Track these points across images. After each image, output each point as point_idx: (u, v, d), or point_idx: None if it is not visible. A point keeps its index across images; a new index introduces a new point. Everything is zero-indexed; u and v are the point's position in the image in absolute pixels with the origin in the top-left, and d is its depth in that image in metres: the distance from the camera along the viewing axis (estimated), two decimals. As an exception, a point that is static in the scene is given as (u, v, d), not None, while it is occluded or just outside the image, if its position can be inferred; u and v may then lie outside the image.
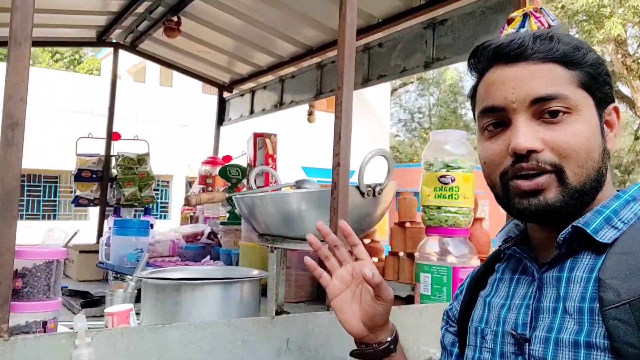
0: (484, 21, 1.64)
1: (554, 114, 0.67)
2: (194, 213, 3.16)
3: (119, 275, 2.14)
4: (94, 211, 11.38)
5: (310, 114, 2.77)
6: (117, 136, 3.08)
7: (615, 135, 0.72)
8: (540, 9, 1.49)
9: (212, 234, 2.69)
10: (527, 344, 0.68)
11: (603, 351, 0.61)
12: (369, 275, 0.79)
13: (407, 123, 21.30)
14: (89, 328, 0.84)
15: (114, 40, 3.06)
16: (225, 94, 3.41)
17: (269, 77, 3.05)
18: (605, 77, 0.71)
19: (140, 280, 1.47)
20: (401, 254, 1.84)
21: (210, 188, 3.18)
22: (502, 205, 0.73)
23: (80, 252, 2.40)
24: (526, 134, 0.67)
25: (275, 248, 1.58)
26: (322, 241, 0.90)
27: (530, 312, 0.70)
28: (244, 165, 2.75)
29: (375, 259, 1.98)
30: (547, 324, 0.67)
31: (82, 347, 0.83)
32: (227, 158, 3.42)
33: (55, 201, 11.95)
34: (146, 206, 3.07)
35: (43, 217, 11.64)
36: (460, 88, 17.94)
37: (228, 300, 1.24)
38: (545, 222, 0.71)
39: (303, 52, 2.69)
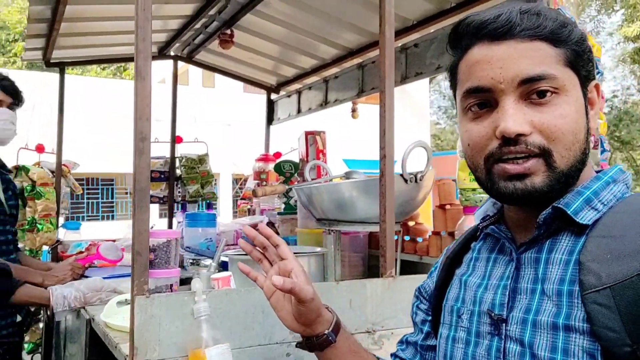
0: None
1: (542, 94, 0.65)
2: (251, 206, 3.47)
3: (195, 261, 2.45)
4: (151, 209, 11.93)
5: (353, 110, 3.01)
6: (179, 139, 3.41)
7: (596, 113, 0.71)
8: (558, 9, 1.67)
9: (270, 224, 2.98)
10: (503, 324, 0.68)
11: (582, 334, 0.60)
12: (278, 283, 0.82)
13: (447, 110, 21.14)
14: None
15: (172, 53, 3.39)
16: (273, 96, 3.68)
17: (313, 78, 3.30)
18: (588, 54, 0.69)
19: (218, 262, 1.77)
20: (443, 232, 2.06)
21: (264, 183, 3.48)
22: (484, 188, 0.71)
23: (158, 243, 2.73)
24: (515, 117, 0.64)
25: (332, 230, 1.84)
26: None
27: (507, 293, 0.69)
28: (295, 160, 3.03)
29: (421, 239, 2.21)
30: (525, 305, 0.66)
31: (200, 302, 1.12)
32: (277, 154, 3.71)
33: (112, 202, 12.67)
34: (208, 201, 3.40)
35: (102, 218, 12.37)
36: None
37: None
38: (529, 205, 0.68)
39: (344, 54, 2.92)
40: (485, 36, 0.67)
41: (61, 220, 3.07)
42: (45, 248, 2.91)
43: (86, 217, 11.89)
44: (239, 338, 1.18)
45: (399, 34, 2.41)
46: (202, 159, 3.40)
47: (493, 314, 0.69)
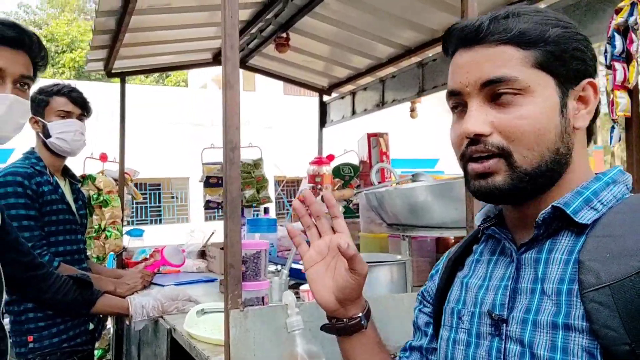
0: (591, 11, 1.72)
1: (500, 96, 0.67)
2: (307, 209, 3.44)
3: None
4: (194, 214, 12.11)
5: (412, 110, 2.94)
6: (234, 145, 3.43)
7: (590, 112, 0.70)
8: (649, -4, 1.55)
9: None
10: (504, 324, 0.68)
11: (581, 333, 0.60)
12: (344, 246, 0.79)
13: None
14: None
15: (225, 59, 3.40)
16: (325, 97, 3.65)
17: (367, 79, 3.25)
18: (574, 53, 0.68)
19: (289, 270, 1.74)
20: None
21: (319, 186, 3.45)
22: (465, 186, 0.74)
23: (221, 249, 2.74)
24: (476, 118, 0.67)
25: (406, 236, 1.78)
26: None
27: (508, 293, 0.69)
28: (351, 162, 2.99)
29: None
30: (525, 305, 0.67)
31: (293, 315, 1.08)
32: (331, 157, 3.67)
33: (159, 207, 12.99)
34: (265, 206, 3.39)
35: (150, 222, 12.71)
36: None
37: (379, 279, 1.45)
38: (497, 202, 0.72)
39: (401, 52, 2.86)
40: (460, 43, 0.71)
41: (129, 227, 3.13)
42: (111, 254, 2.97)
43: (135, 222, 12.25)
44: (332, 352, 1.15)
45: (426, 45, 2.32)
46: (257, 164, 3.40)
47: (493, 315, 0.69)
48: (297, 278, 1.88)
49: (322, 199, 0.88)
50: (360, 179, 2.63)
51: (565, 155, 0.68)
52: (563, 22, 0.69)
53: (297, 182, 11.86)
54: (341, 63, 3.28)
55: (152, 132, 11.62)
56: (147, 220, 12.71)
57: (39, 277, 1.58)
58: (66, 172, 2.23)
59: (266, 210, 3.43)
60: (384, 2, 2.46)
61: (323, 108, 3.67)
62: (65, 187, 2.18)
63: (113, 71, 2.98)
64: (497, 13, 0.69)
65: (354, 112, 3.23)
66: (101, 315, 2.37)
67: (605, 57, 1.45)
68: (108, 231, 2.95)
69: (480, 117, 0.67)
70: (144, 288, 2.27)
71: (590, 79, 0.70)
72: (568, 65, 0.68)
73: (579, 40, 0.69)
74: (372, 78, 3.19)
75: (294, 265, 1.85)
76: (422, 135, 12.69)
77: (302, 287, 1.17)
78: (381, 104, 2.93)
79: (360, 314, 0.85)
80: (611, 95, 1.44)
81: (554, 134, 0.67)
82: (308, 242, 0.87)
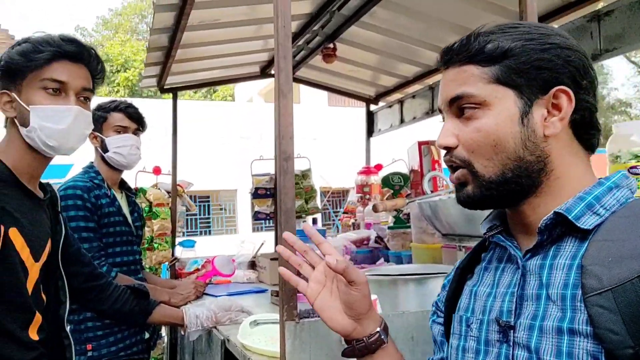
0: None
1: (462, 111, 0.72)
2: (355, 220, 3.41)
3: (309, 278, 2.42)
4: (242, 225, 12.25)
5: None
6: (282, 156, 3.45)
7: (561, 118, 0.70)
8: None
9: (379, 238, 2.90)
10: (511, 331, 0.69)
11: (586, 337, 0.61)
12: (332, 263, 0.80)
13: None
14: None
15: (273, 72, 3.45)
16: (372, 107, 3.62)
17: (415, 87, 3.20)
18: (537, 63, 0.69)
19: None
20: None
21: (367, 196, 3.42)
22: None
23: (271, 259, 2.75)
24: (445, 132, 0.74)
25: (462, 246, 1.72)
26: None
27: (514, 300, 0.70)
28: (400, 172, 2.93)
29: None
30: (532, 311, 0.68)
31: (350, 328, 1.05)
32: (379, 166, 3.64)
33: (209, 218, 13.28)
34: (313, 217, 3.39)
35: (200, 233, 13.00)
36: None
37: (436, 291, 1.40)
38: (478, 209, 0.75)
39: (451, 58, 2.79)
40: (442, 64, 0.77)
41: (180, 238, 3.20)
42: (164, 264, 3.04)
43: (185, 233, 12.58)
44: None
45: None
46: (305, 175, 3.41)
47: (501, 321, 0.70)
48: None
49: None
50: (411, 188, 2.58)
51: (535, 162, 0.69)
52: (530, 36, 0.70)
53: (342, 192, 11.86)
54: (388, 71, 3.25)
55: (201, 145, 11.92)
56: (197, 231, 13.02)
57: (99, 288, 1.63)
58: (123, 185, 2.30)
59: (314, 221, 3.43)
60: (433, 8, 2.42)
61: (370, 117, 3.64)
62: (122, 200, 2.24)
63: (165, 87, 3.07)
64: (469, 34, 0.73)
65: (402, 121, 3.19)
66: (156, 325, 2.42)
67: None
68: (156, 243, 3.03)
69: (449, 131, 0.73)
70: (196, 298, 2.30)
71: (561, 87, 0.69)
72: (530, 76, 0.70)
73: (546, 50, 0.70)
74: (421, 86, 3.14)
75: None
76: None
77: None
78: (431, 112, 2.88)
79: (378, 329, 0.85)
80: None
81: (513, 143, 0.69)
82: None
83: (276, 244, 3.42)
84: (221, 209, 13.54)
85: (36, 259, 1.32)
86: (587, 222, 0.66)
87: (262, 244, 2.96)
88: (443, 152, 0.79)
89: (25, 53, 1.26)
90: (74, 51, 1.30)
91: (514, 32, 0.71)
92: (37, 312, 1.32)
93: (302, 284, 0.87)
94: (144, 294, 1.71)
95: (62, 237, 1.45)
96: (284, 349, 1.05)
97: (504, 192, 0.70)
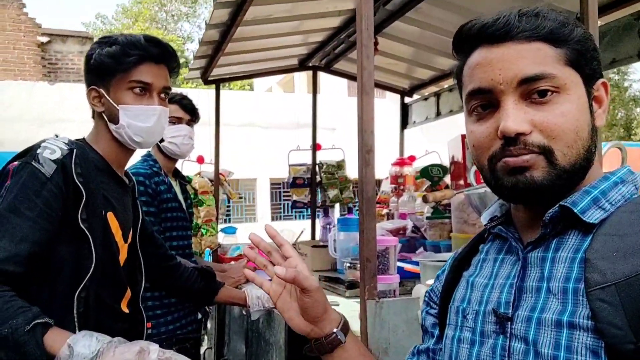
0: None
1: (543, 93, 0.66)
2: (389, 210, 3.50)
3: (352, 265, 2.53)
4: (261, 213, 12.38)
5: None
6: (319, 147, 3.54)
7: (604, 111, 0.71)
8: None
9: (415, 228, 2.99)
10: (509, 322, 0.68)
11: (586, 331, 0.60)
12: (281, 273, 0.80)
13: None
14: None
15: (310, 64, 3.53)
16: (406, 99, 3.69)
17: (451, 81, 3.25)
18: (592, 53, 0.69)
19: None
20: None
21: (401, 187, 3.50)
22: (490, 187, 0.72)
23: (313, 246, 2.86)
24: (515, 116, 0.65)
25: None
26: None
27: (513, 291, 0.69)
28: (439, 163, 3.01)
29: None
30: (530, 304, 0.67)
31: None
32: (412, 158, 3.71)
33: (228, 207, 13.49)
34: (348, 205, 3.48)
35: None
36: None
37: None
38: (532, 201, 0.69)
39: (490, 53, 2.84)
40: (485, 39, 0.69)
41: (221, 225, 3.32)
42: (208, 250, 3.16)
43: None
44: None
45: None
46: (340, 165, 3.50)
47: (498, 313, 0.69)
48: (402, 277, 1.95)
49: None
50: (451, 180, 2.66)
51: (593, 153, 0.68)
52: (579, 24, 0.70)
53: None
54: (424, 64, 3.32)
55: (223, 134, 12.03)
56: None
57: (171, 268, 1.75)
58: (177, 174, 2.42)
59: (350, 210, 3.52)
60: (476, 3, 2.47)
61: (404, 110, 3.71)
62: (176, 187, 2.36)
63: (210, 79, 3.17)
64: (523, 10, 0.68)
65: (438, 114, 3.26)
66: (207, 308, 2.54)
67: None
68: (203, 229, 3.15)
69: (520, 115, 0.66)
70: (246, 282, 2.42)
71: (603, 79, 0.71)
72: (589, 64, 0.68)
73: (593, 42, 0.70)
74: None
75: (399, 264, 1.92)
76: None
77: (429, 281, 1.23)
78: (469, 105, 2.93)
79: (335, 330, 0.86)
80: None
81: (587, 132, 0.67)
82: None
83: (313, 232, 3.54)
84: (240, 198, 13.73)
85: (125, 240, 1.44)
86: (593, 216, 0.66)
87: (302, 232, 3.07)
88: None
89: (115, 56, 1.36)
90: (157, 53, 1.40)
91: (570, 18, 0.69)
92: (128, 287, 1.45)
93: (266, 284, 0.87)
94: (210, 275, 1.83)
95: (140, 221, 1.56)
96: (365, 326, 1.15)
97: (569, 184, 0.67)
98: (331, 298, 1.81)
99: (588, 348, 0.60)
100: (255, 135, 12.05)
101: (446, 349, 0.79)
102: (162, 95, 1.44)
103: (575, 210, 0.66)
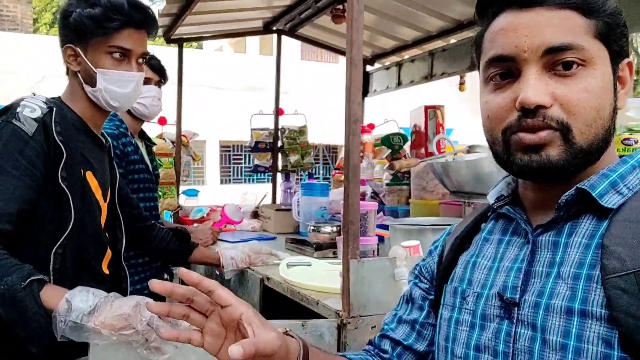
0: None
1: (568, 65, 0.62)
2: (349, 176, 3.61)
3: (316, 228, 2.62)
4: (210, 176, 12.27)
5: (461, 83, 3.06)
6: (281, 112, 3.57)
7: (627, 92, 0.68)
8: None
9: (374, 194, 3.12)
10: (515, 308, 0.65)
11: (599, 320, 0.58)
12: (237, 355, 0.63)
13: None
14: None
15: (274, 28, 3.50)
16: (368, 67, 3.75)
17: (414, 51, 3.34)
18: (622, 29, 0.65)
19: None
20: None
21: (361, 154, 3.61)
22: (501, 163, 0.69)
23: (276, 210, 2.93)
24: (536, 87, 0.62)
25: (470, 202, 1.95)
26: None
27: (521, 276, 0.66)
28: (398, 132, 3.12)
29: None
30: (538, 289, 0.64)
31: (401, 267, 1.26)
32: (371, 126, 3.81)
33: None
34: (308, 171, 3.56)
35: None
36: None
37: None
38: (546, 180, 0.66)
39: (452, 26, 2.95)
40: (513, 3, 0.65)
41: (186, 186, 3.31)
42: (167, 212, 3.16)
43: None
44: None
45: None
46: (302, 130, 3.55)
47: (505, 297, 0.66)
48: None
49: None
50: (411, 149, 2.78)
51: (612, 134, 0.66)
52: None
53: (329, 148, 11.98)
54: (387, 34, 3.37)
55: (170, 94, 11.67)
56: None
57: (146, 228, 1.77)
58: (142, 135, 2.40)
59: (310, 175, 3.60)
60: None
61: (366, 78, 3.78)
62: (142, 149, 2.35)
63: (172, 37, 3.10)
64: None
65: (399, 83, 3.35)
66: (172, 268, 2.58)
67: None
68: (161, 191, 3.13)
69: (541, 87, 0.62)
70: (213, 243, 2.46)
71: (629, 59, 0.68)
72: (618, 40, 0.65)
73: (623, 17, 0.66)
74: (419, 51, 3.29)
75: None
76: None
77: (403, 244, 1.34)
78: (430, 76, 3.05)
79: None
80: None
81: (609, 111, 0.64)
82: None
83: (274, 196, 3.60)
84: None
85: (105, 200, 1.46)
86: (611, 201, 0.63)
87: (265, 195, 3.13)
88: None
89: (96, 18, 1.33)
90: (140, 19, 1.38)
91: None
92: (108, 247, 1.47)
93: (194, 337, 0.71)
94: (185, 235, 1.87)
95: (117, 180, 1.58)
96: (348, 283, 1.24)
97: (585, 163, 0.64)
98: (301, 258, 1.90)
99: (600, 337, 0.57)
100: (204, 96, 11.78)
101: (442, 329, 0.76)
102: (140, 60, 1.43)
103: (594, 194, 0.63)
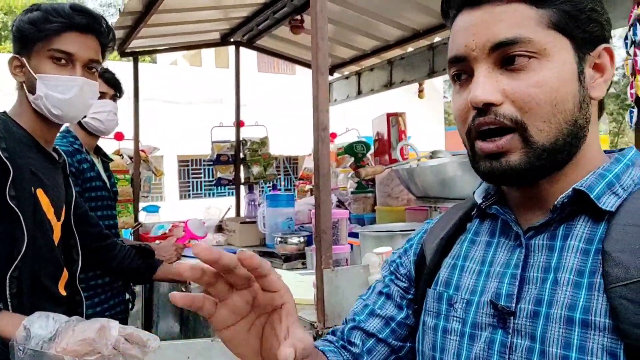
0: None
1: (514, 59, 0.60)
2: (312, 186, 3.60)
3: (283, 239, 2.59)
4: (169, 191, 12.01)
5: (420, 91, 3.11)
6: (242, 123, 3.53)
7: (606, 80, 0.64)
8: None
9: (339, 202, 3.12)
10: (511, 317, 0.61)
11: (602, 331, 0.55)
12: (290, 357, 0.52)
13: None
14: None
15: (231, 40, 3.47)
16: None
17: (373, 60, 3.38)
18: (589, 14, 0.62)
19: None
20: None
21: (324, 163, 3.61)
22: (472, 166, 0.67)
23: (241, 222, 2.88)
24: (484, 85, 0.60)
25: (437, 207, 1.97)
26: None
27: (516, 283, 0.62)
28: (356, 140, 3.14)
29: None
30: (535, 296, 0.61)
31: (375, 274, 1.25)
32: (333, 135, 3.83)
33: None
34: (272, 182, 3.53)
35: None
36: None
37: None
38: (513, 184, 0.64)
39: (409, 35, 3.00)
40: (466, 3, 0.64)
41: (145, 203, 3.20)
42: (126, 230, 3.05)
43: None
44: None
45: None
46: (263, 142, 3.52)
47: (499, 306, 0.63)
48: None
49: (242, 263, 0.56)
50: (375, 156, 2.80)
51: (583, 128, 0.62)
52: None
53: (289, 159, 12.01)
54: (345, 44, 3.40)
55: (126, 108, 11.39)
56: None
57: (107, 247, 1.70)
58: (98, 151, 2.31)
59: (274, 187, 3.56)
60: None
61: (325, 88, 3.80)
62: (98, 165, 2.26)
63: (127, 51, 3.02)
64: None
65: (359, 92, 3.38)
66: (134, 287, 2.48)
67: (626, 44, 1.61)
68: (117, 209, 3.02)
69: (490, 84, 0.60)
70: (177, 260, 2.39)
71: (607, 45, 0.64)
72: (584, 27, 0.61)
73: (595, 1, 0.63)
74: (378, 60, 3.33)
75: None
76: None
77: (375, 250, 1.33)
78: (389, 84, 3.09)
79: None
80: (631, 79, 1.61)
81: (572, 103, 0.60)
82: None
83: (237, 209, 3.54)
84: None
85: (58, 219, 1.38)
86: (608, 202, 0.60)
87: (229, 209, 3.07)
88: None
89: (35, 22, 1.27)
90: (84, 23, 1.32)
91: None
92: (64, 268, 1.39)
93: (207, 306, 0.57)
94: (149, 253, 1.80)
95: (73, 199, 1.50)
96: (322, 292, 1.22)
97: (552, 163, 0.61)
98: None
99: (605, 349, 0.54)
100: (159, 110, 11.56)
101: (426, 337, 0.72)
102: (90, 69, 1.37)
103: (592, 196, 0.60)
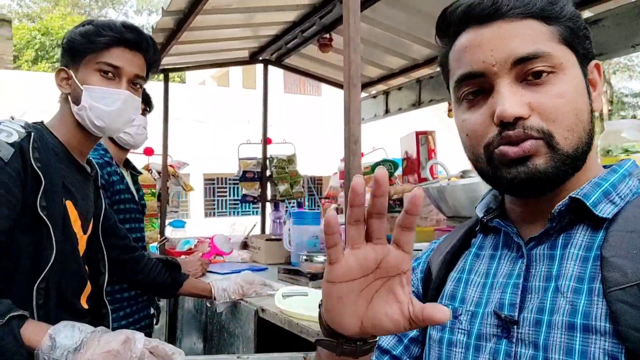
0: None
1: (539, 74, 0.61)
2: (338, 205, 3.57)
3: (308, 257, 2.55)
4: (194, 209, 12.17)
5: (450, 110, 3.07)
6: (269, 141, 3.54)
7: (599, 94, 0.67)
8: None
9: (366, 221, 3.07)
10: (514, 326, 0.62)
11: (603, 335, 0.55)
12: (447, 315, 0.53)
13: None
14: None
15: (260, 58, 3.51)
16: (354, 96, 3.78)
17: (401, 79, 3.37)
18: (584, 32, 0.65)
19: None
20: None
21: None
22: (487, 179, 0.67)
23: (267, 240, 2.86)
24: (512, 99, 0.61)
25: (467, 226, 1.91)
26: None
27: (519, 292, 0.63)
28: (387, 158, 3.11)
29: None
30: (536, 305, 0.61)
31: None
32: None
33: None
34: (298, 200, 3.51)
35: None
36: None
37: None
38: (537, 192, 0.63)
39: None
40: (472, 20, 0.64)
41: (169, 219, 3.22)
42: (153, 245, 3.07)
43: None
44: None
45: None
46: (290, 160, 3.52)
47: (502, 315, 0.63)
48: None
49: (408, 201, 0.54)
50: (403, 175, 2.76)
51: (592, 138, 0.64)
52: (567, 1, 0.65)
53: (314, 179, 12.09)
54: (374, 62, 3.40)
55: (155, 125, 11.63)
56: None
57: (134, 259, 1.69)
58: (127, 164, 2.34)
59: (299, 205, 3.55)
60: (429, 3, 2.57)
61: (352, 106, 3.79)
62: (128, 178, 2.28)
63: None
64: None
65: (387, 111, 3.36)
66: (159, 301, 2.48)
67: None
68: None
69: (516, 98, 0.61)
70: (202, 275, 2.38)
71: (596, 61, 0.67)
72: (582, 43, 0.65)
73: (583, 20, 0.66)
74: (406, 79, 3.31)
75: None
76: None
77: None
78: (417, 104, 3.06)
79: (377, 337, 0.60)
80: None
81: (586, 114, 0.63)
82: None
83: (263, 226, 3.53)
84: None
85: (84, 232, 1.38)
86: (605, 210, 0.62)
87: (254, 225, 3.06)
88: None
89: (87, 35, 1.31)
90: (132, 39, 1.35)
91: None
92: (88, 281, 1.38)
93: (337, 250, 0.53)
94: (176, 266, 1.79)
95: (103, 211, 1.50)
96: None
97: (572, 170, 0.62)
98: (296, 288, 1.83)
99: (606, 353, 0.55)
100: (187, 129, 11.76)
101: (432, 351, 0.72)
102: (135, 85, 1.38)
103: (588, 204, 0.62)
